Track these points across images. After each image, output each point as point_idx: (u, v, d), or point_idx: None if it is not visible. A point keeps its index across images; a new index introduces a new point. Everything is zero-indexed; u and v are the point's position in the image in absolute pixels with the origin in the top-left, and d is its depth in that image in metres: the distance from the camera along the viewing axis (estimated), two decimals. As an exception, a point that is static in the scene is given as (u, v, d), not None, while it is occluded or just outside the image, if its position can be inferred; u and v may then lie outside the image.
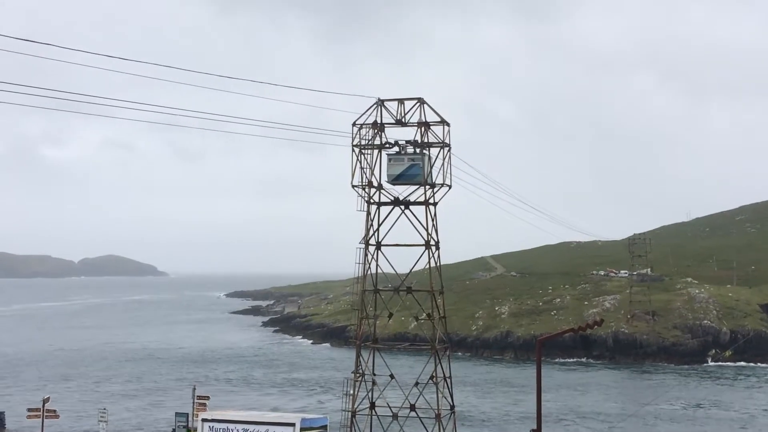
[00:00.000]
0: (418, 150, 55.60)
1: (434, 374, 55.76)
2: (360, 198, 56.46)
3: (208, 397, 76.71)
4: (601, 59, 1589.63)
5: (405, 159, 55.46)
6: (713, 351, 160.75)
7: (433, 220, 56.42)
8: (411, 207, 56.62)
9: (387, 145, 55.83)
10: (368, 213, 56.70)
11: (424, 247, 56.59)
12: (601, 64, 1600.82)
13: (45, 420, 73.56)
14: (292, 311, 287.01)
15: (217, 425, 54.89)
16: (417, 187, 56.11)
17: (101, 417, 75.68)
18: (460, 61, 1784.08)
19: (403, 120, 55.45)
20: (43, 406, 73.35)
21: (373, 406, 57.00)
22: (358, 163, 55.80)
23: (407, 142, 55.85)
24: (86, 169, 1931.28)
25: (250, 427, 54.06)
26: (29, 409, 74.19)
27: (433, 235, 56.53)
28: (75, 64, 44.60)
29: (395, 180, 56.03)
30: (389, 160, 55.87)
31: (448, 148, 55.90)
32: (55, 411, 75.04)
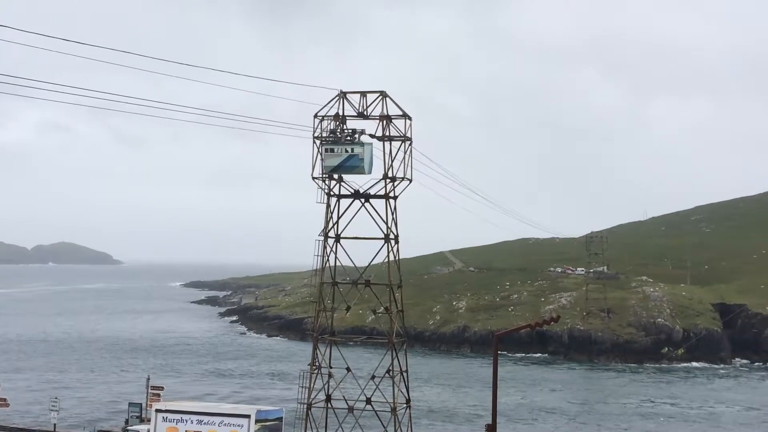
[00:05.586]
0: (357, 137, 54.79)
1: (391, 368, 55.74)
2: (320, 190, 56.18)
3: (162, 387, 76.17)
4: (549, 52, 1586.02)
5: (341, 150, 54.60)
6: (666, 349, 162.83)
7: (392, 214, 56.35)
8: (371, 200, 56.46)
9: (348, 138, 55.35)
10: (328, 205, 56.46)
11: (383, 241, 56.51)
12: (549, 56, 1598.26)
13: (-6, 408, 72.50)
14: (249, 302, 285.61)
15: (171, 416, 54.32)
16: (378, 180, 55.93)
17: (52, 406, 74.84)
18: (404, 50, 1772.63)
19: (365, 113, 55.23)
20: (-7, 395, 72.29)
21: (328, 398, 56.86)
22: (319, 155, 55.42)
23: (342, 129, 55.06)
24: (25, 153, 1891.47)
25: (205, 419, 53.59)
26: (-22, 398, 73.08)
27: (393, 228, 56.47)
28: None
29: (333, 171, 55.30)
30: (325, 150, 54.90)
31: (409, 142, 55.79)
32: (5, 399, 74.04)
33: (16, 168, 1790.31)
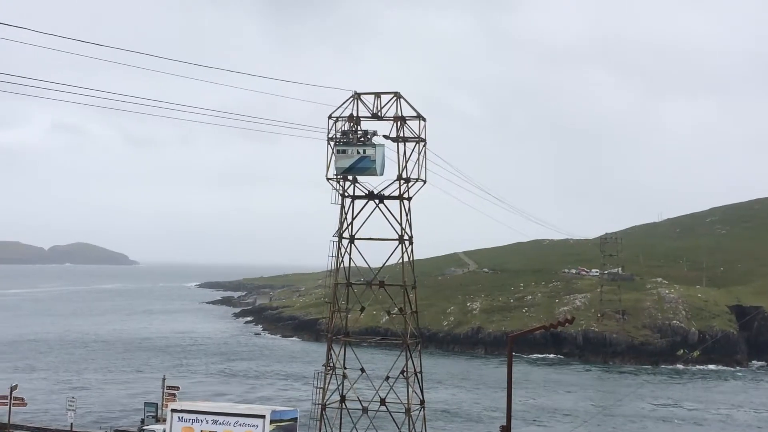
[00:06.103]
0: (368, 138, 54.83)
1: (405, 369, 55.84)
2: (334, 191, 56.35)
3: (177, 387, 76.54)
4: (559, 53, 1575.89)
5: (353, 151, 54.66)
6: (681, 351, 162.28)
7: (407, 215, 56.46)
8: (385, 201, 56.58)
9: (360, 139, 55.43)
10: (342, 206, 56.62)
11: (397, 242, 56.62)
12: (559, 58, 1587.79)
13: (12, 407, 73.00)
14: (263, 303, 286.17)
15: (186, 416, 54.64)
16: (392, 181, 56.04)
17: (69, 405, 75.23)
18: (411, 51, 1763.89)
19: (379, 114, 55.36)
20: (11, 394, 72.79)
21: (343, 399, 57.01)
22: (333, 156, 55.57)
23: (355, 131, 55.14)
24: (41, 154, 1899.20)
25: (220, 419, 53.87)
26: (-4, 397, 73.58)
27: (407, 229, 56.58)
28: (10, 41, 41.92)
29: (345, 172, 55.40)
30: (337, 152, 54.93)
31: (423, 143, 55.87)
32: (22, 399, 74.54)
33: (32, 169, 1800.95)
